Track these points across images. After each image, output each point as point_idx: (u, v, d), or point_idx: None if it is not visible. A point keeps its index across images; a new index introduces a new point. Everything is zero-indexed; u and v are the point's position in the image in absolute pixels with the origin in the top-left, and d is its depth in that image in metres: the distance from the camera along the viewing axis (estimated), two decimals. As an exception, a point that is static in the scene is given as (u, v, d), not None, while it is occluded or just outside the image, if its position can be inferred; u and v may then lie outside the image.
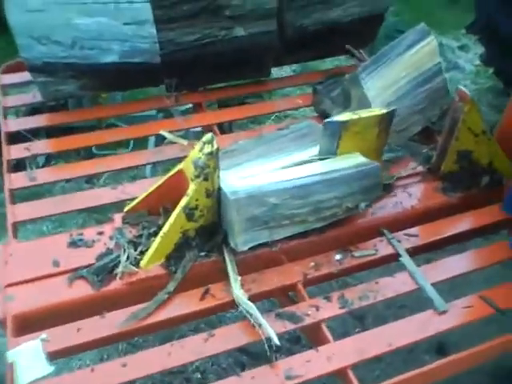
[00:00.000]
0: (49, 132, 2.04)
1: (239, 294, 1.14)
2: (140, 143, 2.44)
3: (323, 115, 1.61)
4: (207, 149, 1.12)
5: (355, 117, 1.26)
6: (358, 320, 2.08)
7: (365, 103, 1.49)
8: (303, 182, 1.23)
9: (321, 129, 1.30)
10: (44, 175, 1.53)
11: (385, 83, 1.52)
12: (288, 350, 1.90)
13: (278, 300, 1.35)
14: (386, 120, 1.32)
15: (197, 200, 1.16)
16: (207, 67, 1.70)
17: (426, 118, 1.60)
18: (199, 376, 1.92)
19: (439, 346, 1.92)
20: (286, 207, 1.22)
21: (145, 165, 1.90)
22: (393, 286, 1.26)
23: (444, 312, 1.21)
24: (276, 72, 2.35)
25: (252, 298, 1.16)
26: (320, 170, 1.26)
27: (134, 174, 2.60)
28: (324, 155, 1.30)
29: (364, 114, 1.28)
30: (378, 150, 1.36)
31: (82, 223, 2.48)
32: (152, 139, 2.44)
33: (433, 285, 1.26)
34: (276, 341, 1.07)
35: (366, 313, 2.12)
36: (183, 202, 1.15)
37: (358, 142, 1.29)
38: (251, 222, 1.19)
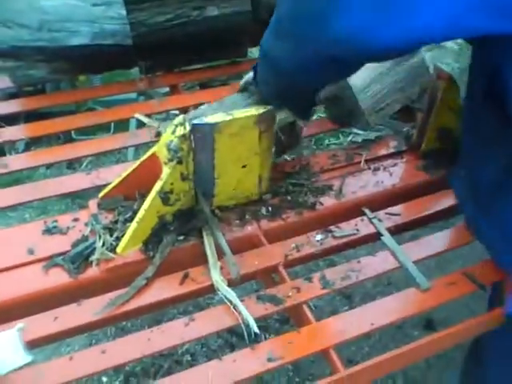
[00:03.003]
0: (27, 117, 2.01)
1: (218, 280, 1.13)
2: (121, 126, 2.42)
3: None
4: (180, 131, 1.08)
5: (228, 118, 1.13)
6: (347, 299, 2.10)
7: (343, 81, 1.47)
8: None
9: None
10: (21, 161, 1.50)
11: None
12: (277, 331, 1.92)
13: (262, 281, 1.34)
14: (267, 120, 1.18)
15: (172, 184, 1.14)
16: (181, 48, 1.66)
17: (405, 96, 1.58)
18: (189, 358, 1.93)
19: (427, 321, 1.94)
20: None
21: (126, 148, 1.87)
22: (374, 265, 1.24)
23: (427, 289, 1.21)
24: (257, 52, 2.31)
25: (233, 282, 1.15)
26: None
27: (116, 158, 2.59)
28: (200, 159, 1.18)
29: (238, 114, 1.15)
30: (263, 153, 1.24)
31: (64, 209, 2.47)
32: (133, 122, 2.42)
33: (416, 262, 1.25)
34: (255, 329, 1.06)
35: (354, 291, 2.13)
36: (157, 186, 1.13)
37: (238, 145, 1.18)
38: None
